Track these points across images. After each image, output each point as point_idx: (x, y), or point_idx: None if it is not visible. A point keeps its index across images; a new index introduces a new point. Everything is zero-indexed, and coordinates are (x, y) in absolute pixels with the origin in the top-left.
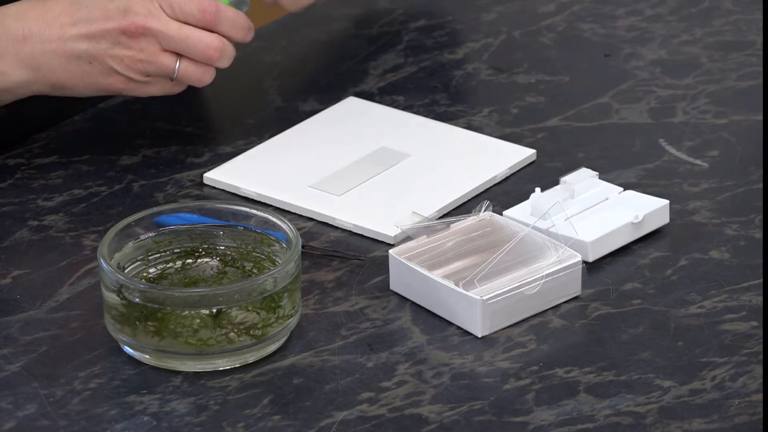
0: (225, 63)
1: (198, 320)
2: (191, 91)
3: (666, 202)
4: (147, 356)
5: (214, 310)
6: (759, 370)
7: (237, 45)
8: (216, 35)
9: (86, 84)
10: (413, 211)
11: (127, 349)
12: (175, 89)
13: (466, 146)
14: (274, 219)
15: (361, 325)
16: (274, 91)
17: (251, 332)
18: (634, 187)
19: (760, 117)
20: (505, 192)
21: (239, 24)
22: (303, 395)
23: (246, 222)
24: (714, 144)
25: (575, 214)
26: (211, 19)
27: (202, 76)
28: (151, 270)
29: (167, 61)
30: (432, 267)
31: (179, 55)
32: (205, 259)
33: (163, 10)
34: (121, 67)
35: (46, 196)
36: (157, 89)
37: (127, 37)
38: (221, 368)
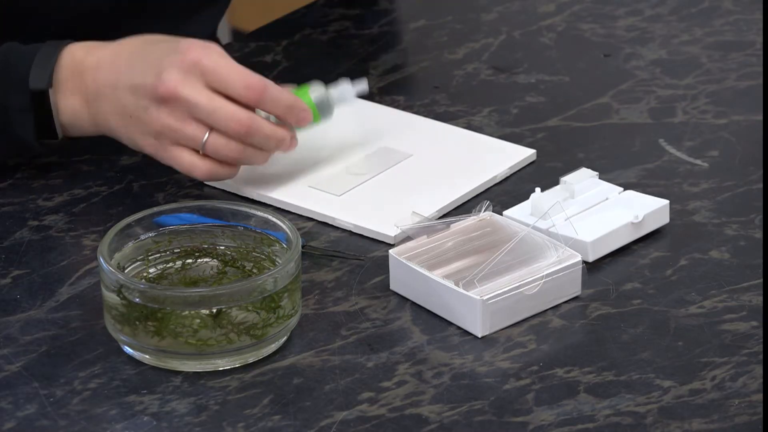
0: (261, 140)
1: (198, 320)
2: None
3: (666, 202)
4: (147, 356)
5: (214, 310)
6: (759, 370)
7: (237, 46)
8: (248, 112)
9: (127, 137)
10: (413, 211)
11: (127, 349)
12: (206, 169)
13: (466, 146)
14: (274, 219)
15: (361, 325)
16: None
17: (251, 332)
18: (634, 187)
19: (760, 117)
20: (505, 192)
21: (285, 104)
22: (303, 395)
23: (246, 222)
24: (714, 144)
25: (575, 214)
26: (255, 97)
27: (235, 154)
28: (151, 270)
29: (194, 130)
30: (432, 267)
31: (211, 128)
32: (205, 259)
33: (203, 78)
34: (151, 129)
35: (46, 196)
36: (185, 160)
37: (157, 100)
38: (221, 368)
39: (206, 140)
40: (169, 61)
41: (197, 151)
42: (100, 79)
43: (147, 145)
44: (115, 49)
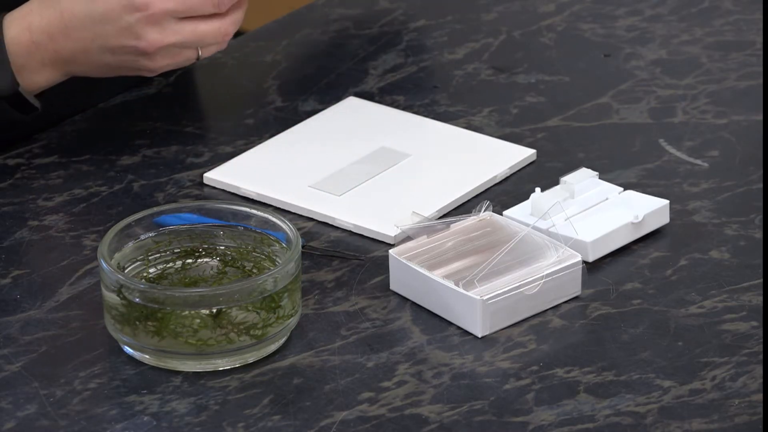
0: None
1: (198, 320)
2: (191, 91)
3: (666, 202)
4: (147, 356)
5: (214, 310)
6: (759, 370)
7: (237, 46)
8: (226, 19)
9: (117, 74)
10: (413, 211)
11: (127, 349)
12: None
13: (466, 146)
14: (274, 219)
15: (361, 325)
16: (274, 91)
17: (251, 332)
18: (634, 187)
19: (760, 117)
20: (505, 192)
21: None
22: (303, 395)
23: (246, 222)
24: (714, 144)
25: (575, 214)
26: (225, 5)
27: (221, 48)
28: (151, 270)
29: (191, 55)
30: (432, 267)
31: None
32: (205, 259)
33: (176, 17)
34: (150, 70)
35: (46, 196)
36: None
37: (148, 54)
38: (221, 368)
39: (201, 55)
40: (136, 21)
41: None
42: (64, 50)
43: (146, 72)
44: (55, 15)
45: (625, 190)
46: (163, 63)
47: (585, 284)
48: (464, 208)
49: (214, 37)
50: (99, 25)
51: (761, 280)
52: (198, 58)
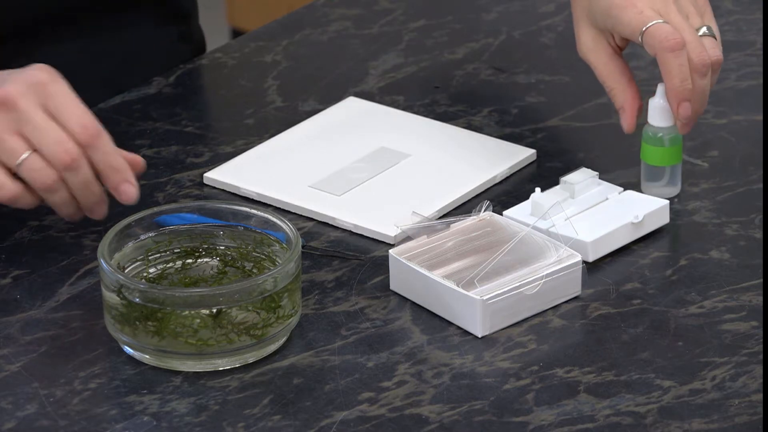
0: (78, 183)
1: (198, 320)
2: (191, 91)
3: (666, 202)
4: (147, 356)
5: (214, 310)
6: (759, 370)
7: (237, 46)
8: (77, 147)
9: None
10: (413, 211)
11: (127, 349)
12: (12, 191)
13: (466, 146)
14: (274, 219)
15: (361, 325)
16: (274, 91)
17: (251, 332)
18: (634, 187)
19: (760, 117)
20: (505, 192)
21: (112, 164)
22: (303, 395)
23: (246, 222)
24: (714, 144)
25: (575, 214)
26: (87, 139)
27: (49, 182)
28: (151, 270)
29: (16, 144)
30: (432, 267)
31: (33, 150)
32: (205, 259)
33: (44, 99)
34: None
35: None
36: None
37: None
38: (221, 368)
39: (25, 158)
40: (15, 75)
41: (9, 170)
42: None
43: None
44: None
45: (625, 190)
46: None
47: (585, 284)
48: (464, 208)
49: (56, 140)
50: None
51: (761, 280)
52: (18, 167)
